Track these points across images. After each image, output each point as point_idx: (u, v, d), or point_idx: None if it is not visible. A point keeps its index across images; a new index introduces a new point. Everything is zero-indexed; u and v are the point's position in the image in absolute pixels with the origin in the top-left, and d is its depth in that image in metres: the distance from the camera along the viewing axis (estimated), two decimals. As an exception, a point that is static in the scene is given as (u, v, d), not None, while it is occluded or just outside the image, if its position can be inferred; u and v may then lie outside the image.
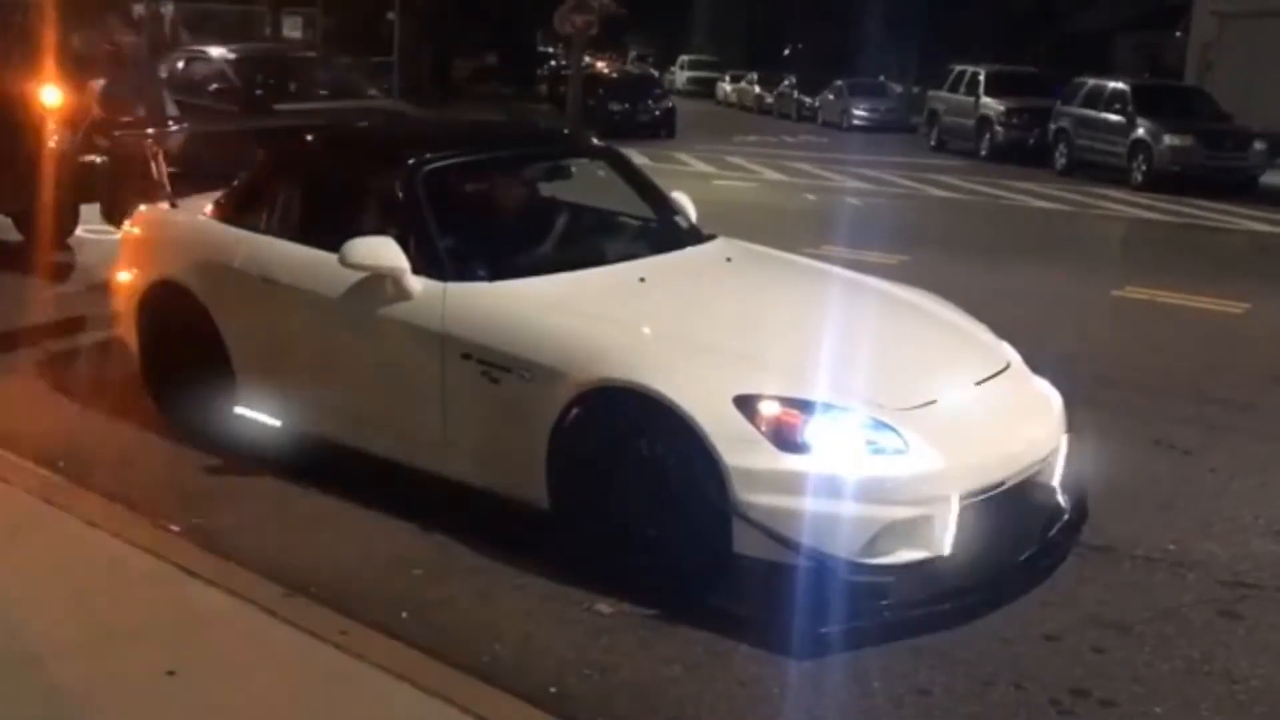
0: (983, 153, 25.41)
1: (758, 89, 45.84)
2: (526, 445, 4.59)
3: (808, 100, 39.30)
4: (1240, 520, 5.38)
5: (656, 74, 42.37)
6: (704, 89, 52.29)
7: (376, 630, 4.02)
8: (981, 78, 26.71)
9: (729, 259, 5.77)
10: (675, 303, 5.10)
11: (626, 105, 29.12)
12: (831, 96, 36.78)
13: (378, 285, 5.01)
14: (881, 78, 38.51)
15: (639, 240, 5.95)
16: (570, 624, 4.24)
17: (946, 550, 4.20)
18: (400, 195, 5.29)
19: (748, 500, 4.09)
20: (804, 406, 4.21)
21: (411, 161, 5.35)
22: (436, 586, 4.51)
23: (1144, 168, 20.35)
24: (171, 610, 4.07)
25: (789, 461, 4.10)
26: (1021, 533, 4.62)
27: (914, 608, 4.18)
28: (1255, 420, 6.95)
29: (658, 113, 29.50)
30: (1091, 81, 23.18)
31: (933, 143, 28.15)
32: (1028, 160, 23.58)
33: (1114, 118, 21.44)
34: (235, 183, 6.26)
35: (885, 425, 4.24)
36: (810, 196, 18.28)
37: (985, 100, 25.99)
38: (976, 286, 9.10)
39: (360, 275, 5.03)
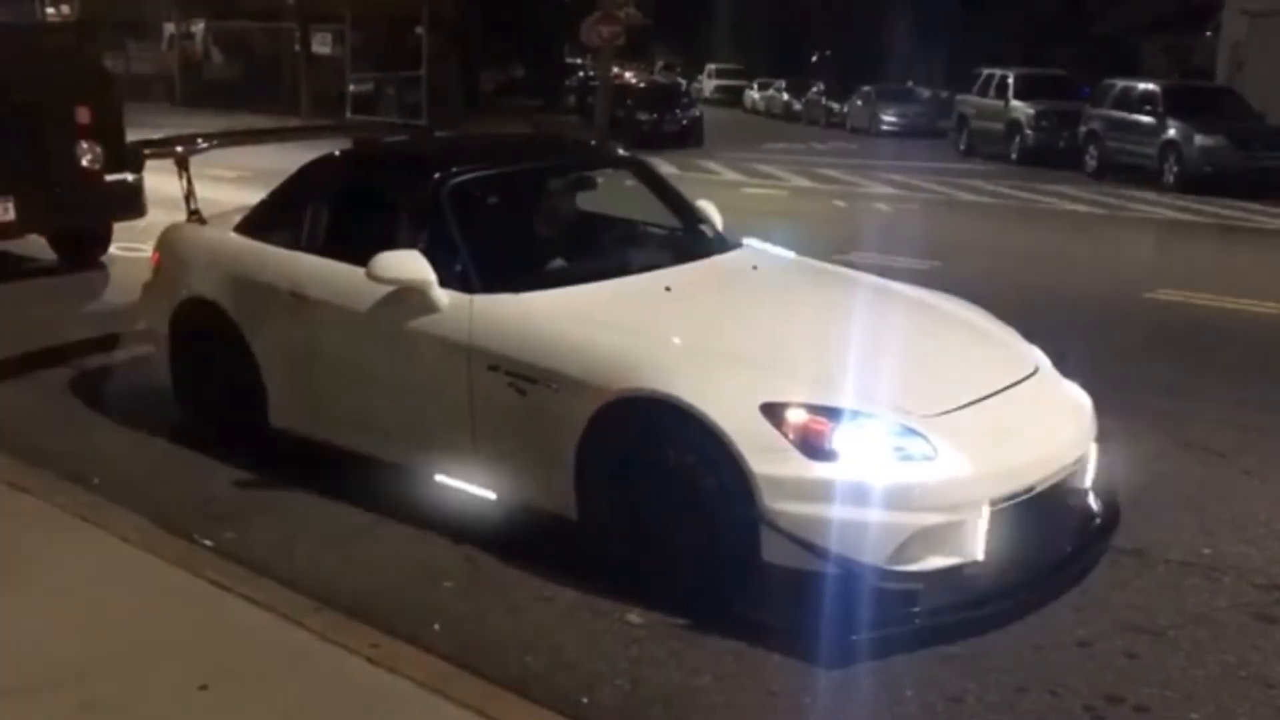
0: (1013, 156, 25.24)
1: (785, 96, 45.81)
2: (554, 456, 4.60)
3: (836, 107, 39.25)
4: (1275, 523, 5.32)
5: (684, 83, 42.40)
6: (732, 97, 52.31)
7: (408, 643, 4.03)
8: (1010, 81, 26.56)
9: (755, 267, 5.77)
10: (701, 311, 5.10)
11: (654, 115, 29.11)
12: (860, 103, 36.71)
13: (405, 299, 5.03)
14: (909, 83, 38.40)
15: (665, 249, 5.94)
16: (601, 635, 4.24)
17: (979, 556, 4.18)
18: (427, 209, 5.33)
19: (776, 508, 4.08)
20: (831, 414, 4.20)
21: (437, 175, 5.38)
22: (467, 599, 4.53)
23: (1175, 169, 20.21)
24: (204, 625, 4.10)
25: (817, 469, 4.09)
26: (1053, 537, 4.61)
27: (945, 614, 4.16)
28: (1290, 422, 6.88)
29: (685, 122, 29.49)
30: (1121, 83, 23.04)
31: (962, 147, 28.01)
32: (1058, 163, 23.39)
33: (1145, 119, 21.30)
34: (263, 199, 6.33)
35: (913, 431, 4.23)
36: (840, 203, 18.24)
37: (1014, 104, 25.84)
38: (1008, 290, 9.07)
39: (388, 289, 5.06)
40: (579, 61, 48.60)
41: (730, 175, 21.77)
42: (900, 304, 5.58)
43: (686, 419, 4.24)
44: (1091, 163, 22.70)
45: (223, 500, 5.42)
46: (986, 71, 27.88)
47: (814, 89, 42.69)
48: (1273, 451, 6.32)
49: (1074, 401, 5.00)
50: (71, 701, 3.59)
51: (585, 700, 3.83)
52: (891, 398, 4.34)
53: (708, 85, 56.11)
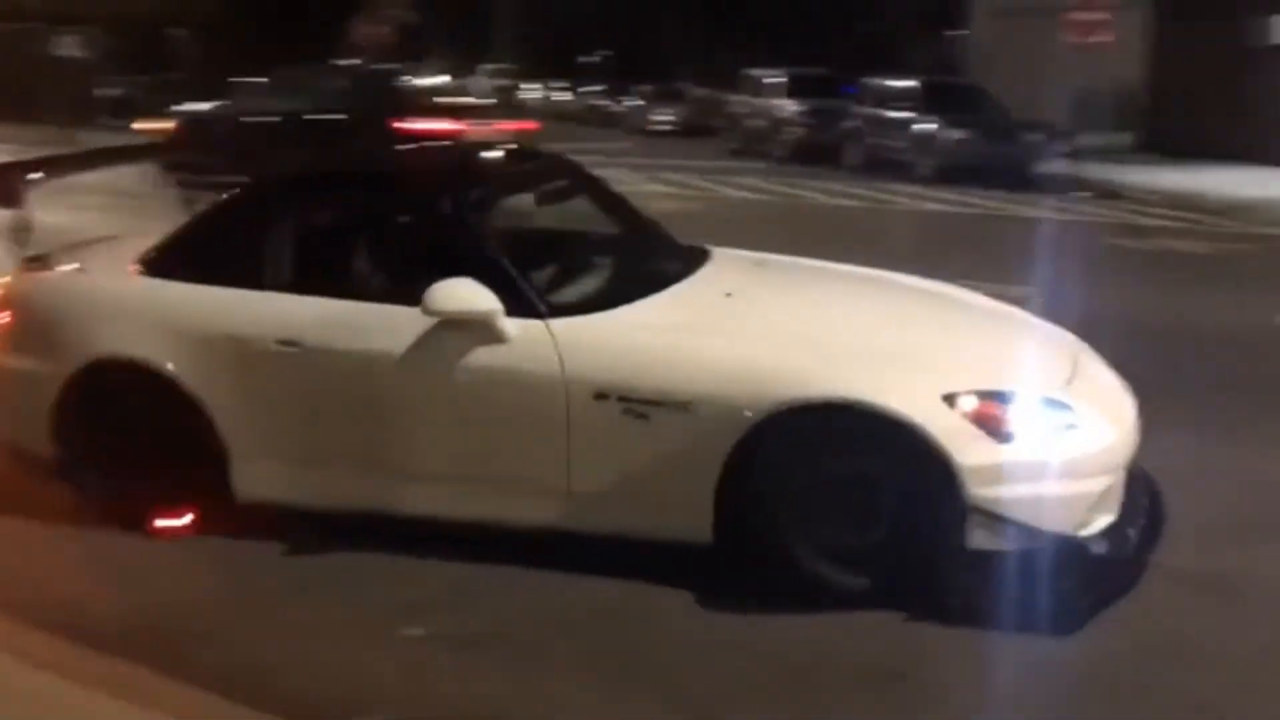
0: (781, 154, 25.79)
1: (561, 95, 45.93)
2: (688, 481, 4.35)
3: (612, 106, 39.57)
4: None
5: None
6: (504, 97, 52.08)
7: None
8: (777, 82, 27.28)
9: (756, 265, 5.71)
10: (792, 313, 5.00)
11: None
12: (638, 102, 37.11)
13: (456, 332, 4.54)
14: (683, 83, 39.03)
15: (674, 258, 5.59)
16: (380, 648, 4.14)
17: (1116, 515, 4.44)
18: (450, 232, 4.90)
19: (982, 494, 4.12)
20: (1000, 397, 4.27)
21: (455, 194, 4.98)
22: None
23: (931, 161, 21.13)
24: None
25: (1006, 451, 4.17)
26: (1137, 502, 4.76)
27: (1117, 570, 4.38)
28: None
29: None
30: (881, 81, 23.97)
31: (735, 145, 28.60)
32: (824, 160, 23.82)
33: (903, 115, 22.19)
34: (184, 233, 5.38)
35: (1060, 404, 4.38)
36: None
37: (782, 103, 26.55)
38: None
39: (428, 324, 4.55)
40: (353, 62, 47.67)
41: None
42: (910, 292, 5.69)
43: (868, 421, 4.18)
44: (855, 158, 23.40)
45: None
46: (755, 72, 28.57)
47: (588, 89, 42.96)
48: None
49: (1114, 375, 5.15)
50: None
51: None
52: (1027, 375, 4.49)
53: (480, 86, 55.78)
